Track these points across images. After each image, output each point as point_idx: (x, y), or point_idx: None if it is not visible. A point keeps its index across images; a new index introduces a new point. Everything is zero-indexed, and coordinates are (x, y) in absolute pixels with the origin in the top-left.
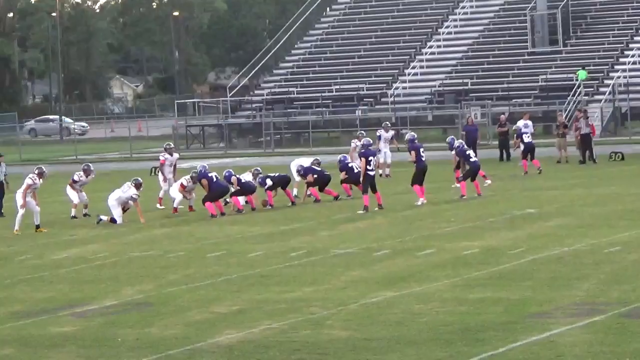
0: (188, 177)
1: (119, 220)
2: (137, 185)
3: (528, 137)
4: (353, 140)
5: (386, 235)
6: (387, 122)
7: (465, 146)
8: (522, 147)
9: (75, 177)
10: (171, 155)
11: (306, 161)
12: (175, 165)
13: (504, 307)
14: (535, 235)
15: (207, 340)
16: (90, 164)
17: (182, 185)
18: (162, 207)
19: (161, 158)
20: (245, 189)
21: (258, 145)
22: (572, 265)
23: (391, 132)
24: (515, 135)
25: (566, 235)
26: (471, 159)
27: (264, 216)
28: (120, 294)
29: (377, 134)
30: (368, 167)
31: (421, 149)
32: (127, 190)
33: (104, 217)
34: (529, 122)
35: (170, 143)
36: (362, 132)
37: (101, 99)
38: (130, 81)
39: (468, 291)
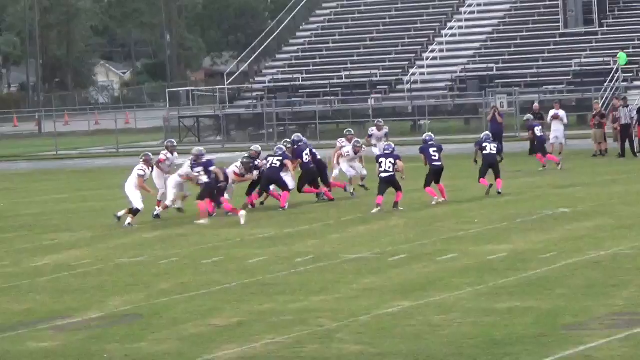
0: (238, 163)
1: (140, 206)
2: (146, 161)
3: (540, 130)
4: (339, 140)
5: (402, 239)
6: (380, 120)
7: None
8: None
9: (140, 172)
10: (172, 154)
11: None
12: (171, 166)
13: (535, 318)
14: (568, 237)
15: (204, 355)
16: (149, 154)
17: (235, 173)
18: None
19: (161, 156)
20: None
21: (259, 138)
22: (610, 270)
23: (385, 130)
24: (527, 127)
25: (603, 237)
26: (485, 152)
27: (266, 218)
28: (107, 305)
29: (369, 132)
30: (380, 169)
31: (432, 149)
32: (135, 169)
33: (121, 212)
34: (561, 112)
35: (173, 140)
36: (350, 130)
37: (84, 87)
38: (116, 68)
39: (494, 300)
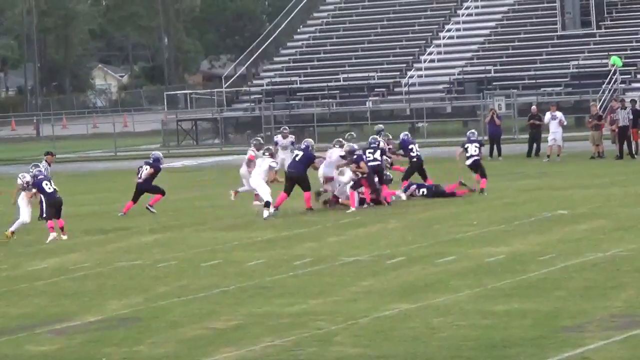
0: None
1: (269, 197)
2: (271, 154)
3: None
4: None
5: (400, 241)
6: (285, 127)
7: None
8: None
9: (273, 164)
10: (259, 150)
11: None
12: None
13: (533, 320)
14: (567, 239)
15: (202, 359)
16: (260, 139)
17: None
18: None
19: (250, 153)
20: None
21: None
22: (608, 272)
23: (290, 138)
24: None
25: (601, 239)
26: (412, 153)
27: (264, 221)
28: (105, 308)
29: (275, 139)
30: (467, 154)
31: (411, 145)
32: (262, 162)
33: (265, 212)
34: (558, 114)
35: (260, 138)
36: (286, 127)
37: (82, 91)
38: (114, 71)
39: (492, 303)
